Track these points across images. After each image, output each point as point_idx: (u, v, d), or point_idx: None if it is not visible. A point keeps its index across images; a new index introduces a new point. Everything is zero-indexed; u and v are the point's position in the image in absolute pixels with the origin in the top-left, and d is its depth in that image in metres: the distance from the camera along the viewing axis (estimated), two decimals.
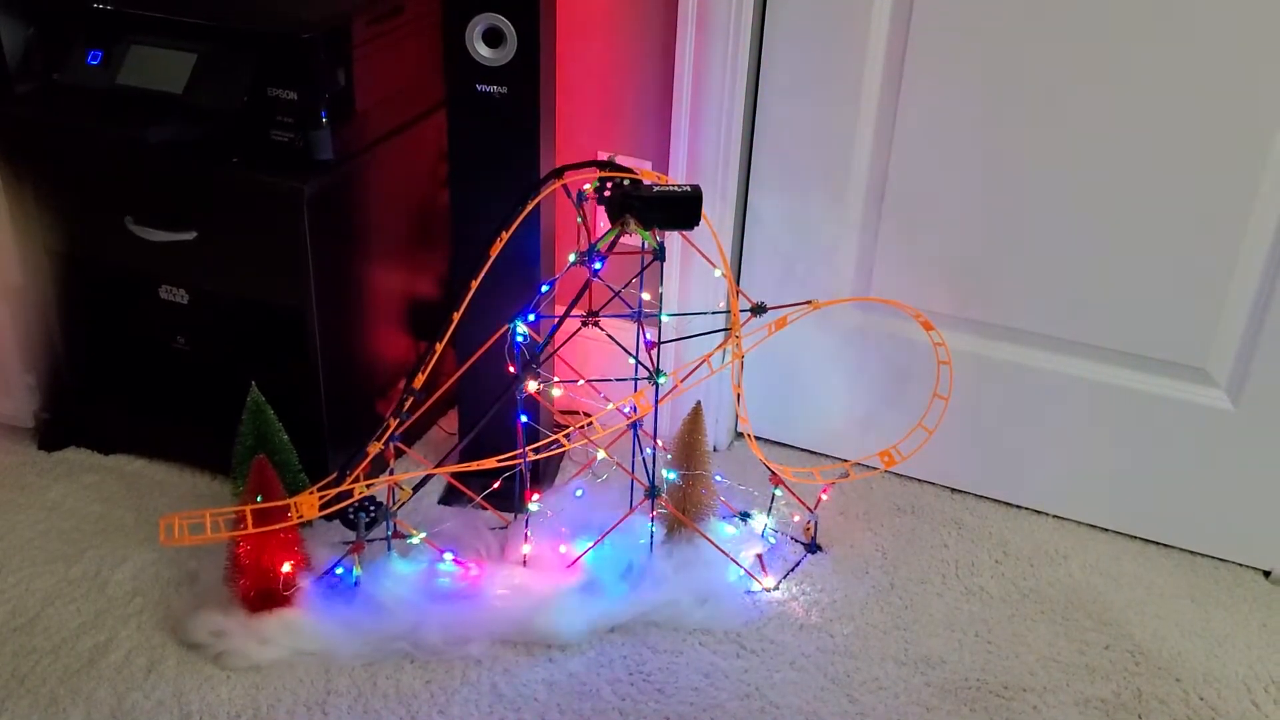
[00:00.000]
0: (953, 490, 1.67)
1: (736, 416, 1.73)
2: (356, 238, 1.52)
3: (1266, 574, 1.55)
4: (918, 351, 1.59)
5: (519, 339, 1.39)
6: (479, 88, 1.38)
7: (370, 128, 1.49)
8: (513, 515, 1.53)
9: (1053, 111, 1.44)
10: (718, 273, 1.51)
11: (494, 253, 1.37)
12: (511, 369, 1.41)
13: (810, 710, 1.30)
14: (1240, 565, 1.56)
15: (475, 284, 1.36)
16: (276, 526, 1.32)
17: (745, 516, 1.58)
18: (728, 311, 1.49)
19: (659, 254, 1.37)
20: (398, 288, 1.63)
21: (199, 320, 1.55)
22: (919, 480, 1.68)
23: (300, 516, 1.31)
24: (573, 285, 1.59)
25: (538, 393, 1.44)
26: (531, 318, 1.40)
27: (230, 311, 1.53)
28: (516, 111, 1.39)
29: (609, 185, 1.35)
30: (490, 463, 1.38)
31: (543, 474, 1.63)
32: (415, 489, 1.47)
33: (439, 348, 1.36)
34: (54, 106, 1.47)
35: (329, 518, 1.42)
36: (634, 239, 1.38)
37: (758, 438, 1.72)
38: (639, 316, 1.42)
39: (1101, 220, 1.47)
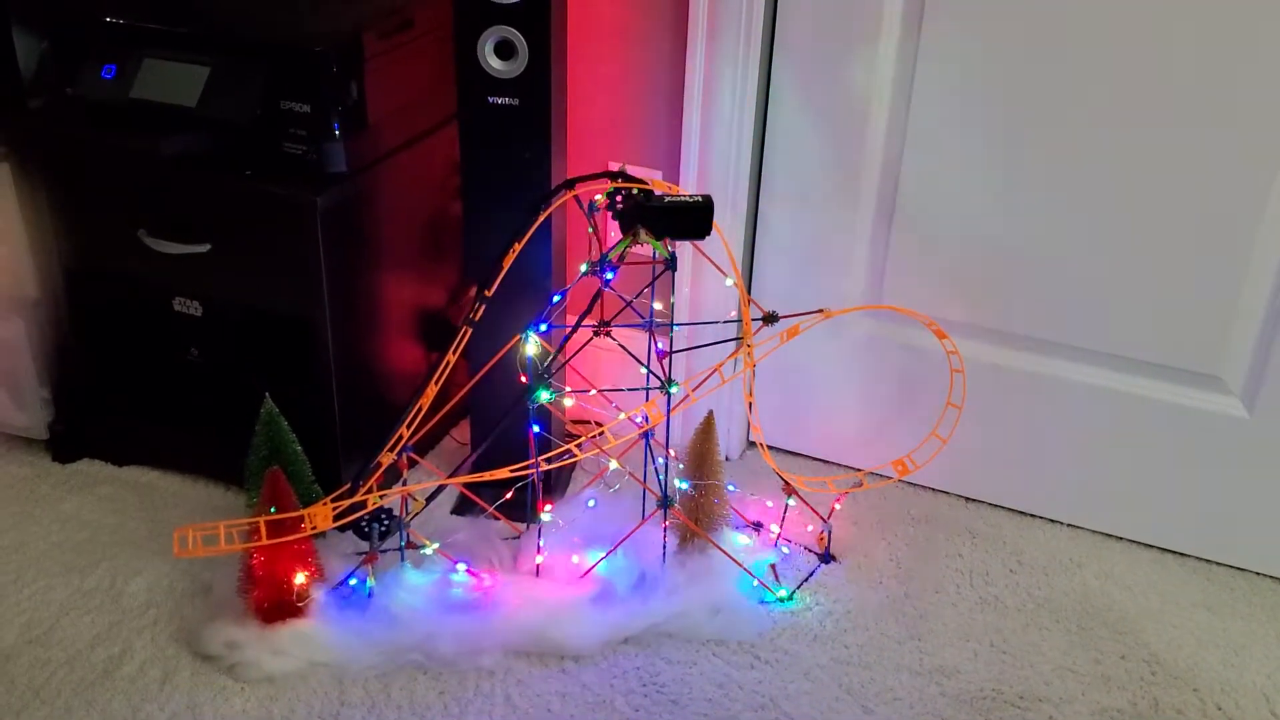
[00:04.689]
0: (967, 499, 1.66)
1: (749, 426, 1.72)
2: (369, 249, 1.52)
3: None
4: (930, 360, 1.59)
5: (531, 348, 1.39)
6: (490, 100, 1.38)
7: (383, 140, 1.50)
8: (525, 525, 1.53)
9: (1064, 119, 1.44)
10: (729, 282, 1.51)
11: (507, 264, 1.37)
12: (523, 379, 1.41)
13: None
14: (1257, 574, 1.55)
15: (489, 293, 1.37)
16: (290, 538, 1.32)
17: (758, 526, 1.57)
18: (739, 320, 1.50)
19: (670, 264, 1.38)
20: (410, 299, 1.64)
21: (212, 332, 1.56)
22: (933, 489, 1.68)
23: (314, 528, 1.31)
24: (584, 295, 1.59)
25: (550, 403, 1.44)
26: (544, 328, 1.40)
27: (243, 323, 1.54)
28: (528, 123, 1.40)
29: (620, 196, 1.36)
30: (503, 473, 1.38)
31: (555, 484, 1.63)
32: (428, 500, 1.47)
33: (451, 358, 1.37)
34: (68, 120, 1.48)
35: (342, 528, 1.41)
36: (645, 249, 1.38)
37: (770, 447, 1.71)
38: (650, 326, 1.42)
39: (1114, 227, 1.47)
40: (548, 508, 1.46)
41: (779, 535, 1.56)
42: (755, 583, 1.46)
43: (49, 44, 1.51)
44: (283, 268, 1.45)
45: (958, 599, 1.48)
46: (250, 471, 1.48)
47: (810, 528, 1.57)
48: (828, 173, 1.57)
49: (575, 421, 1.68)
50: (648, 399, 1.45)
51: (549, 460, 1.41)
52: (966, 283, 1.56)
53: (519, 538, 1.51)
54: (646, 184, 1.36)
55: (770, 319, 1.45)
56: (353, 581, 1.38)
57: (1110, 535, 1.60)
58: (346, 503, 1.32)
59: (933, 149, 1.51)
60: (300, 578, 1.34)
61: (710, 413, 1.48)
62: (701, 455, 1.46)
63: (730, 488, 1.55)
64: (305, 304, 1.44)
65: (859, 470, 1.68)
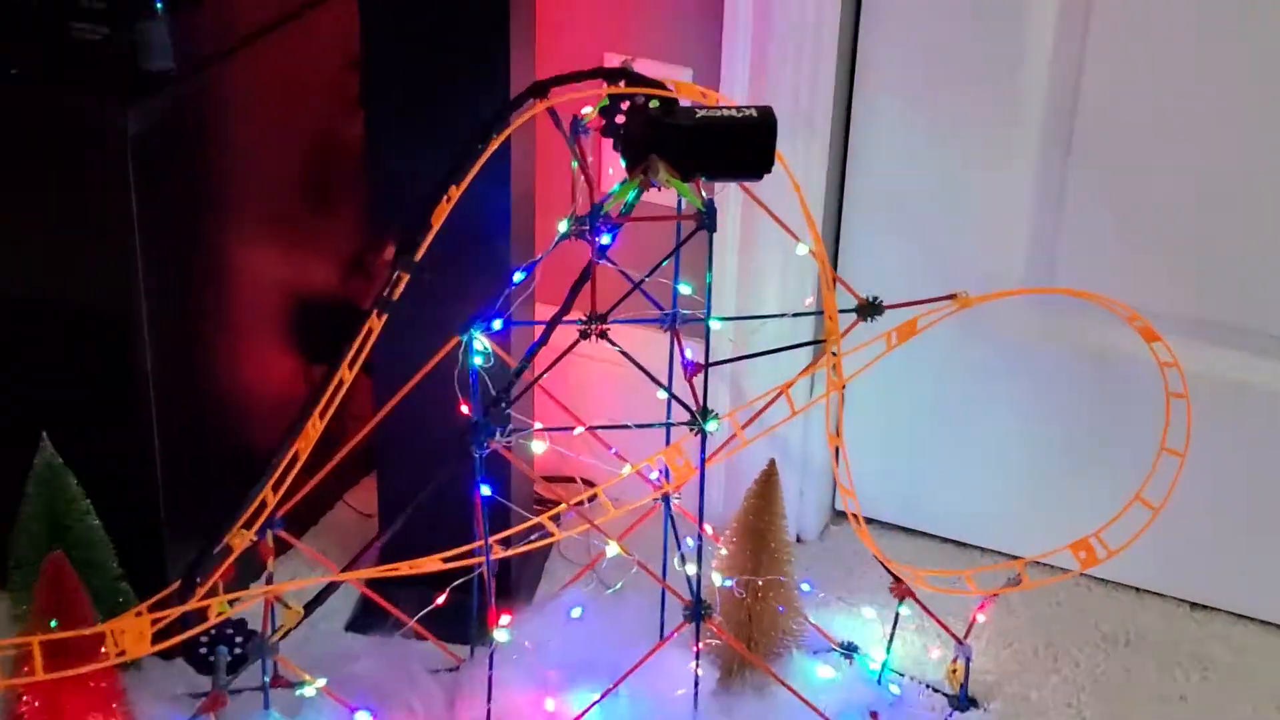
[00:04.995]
0: (1194, 606, 1.67)
1: (834, 485, 1.71)
2: (212, 199, 1.52)
3: None
4: (1130, 376, 1.59)
5: (477, 360, 1.39)
6: None
7: (234, 20, 1.50)
8: (468, 650, 1.53)
9: None
10: (802, 249, 1.50)
11: (438, 221, 1.36)
12: (466, 409, 1.40)
13: None
14: None
15: (418, 257, 1.36)
16: (84, 669, 1.30)
17: (851, 651, 1.57)
18: (819, 313, 1.49)
19: (705, 221, 1.37)
20: (279, 278, 1.64)
21: None
22: (1137, 590, 1.68)
23: (122, 652, 1.29)
24: (565, 271, 1.58)
25: (509, 449, 1.43)
26: (498, 325, 1.39)
27: (9, 319, 1.53)
28: None
29: (624, 109, 1.36)
30: (432, 563, 1.38)
31: (518, 581, 1.63)
32: (309, 607, 1.45)
33: (347, 375, 1.36)
34: None
35: (168, 654, 1.39)
36: (664, 196, 1.38)
37: (870, 520, 1.70)
38: (673, 323, 1.41)
39: None
40: (505, 620, 1.45)
41: (885, 665, 1.55)
42: None
43: None
44: (73, 228, 1.45)
45: None
46: (18, 558, 1.48)
47: (936, 653, 1.58)
48: (964, 75, 1.58)
49: (550, 479, 1.67)
50: (669, 442, 1.44)
51: (506, 543, 1.41)
52: (1190, 256, 1.57)
53: (458, 669, 1.52)
54: (668, 90, 1.35)
55: (870, 310, 1.45)
56: None
57: None
58: (175, 611, 1.31)
59: (1132, 44, 1.52)
60: None
61: (772, 464, 1.48)
62: (758, 533, 1.47)
63: (804, 587, 1.55)
64: (109, 289, 1.45)
65: (1014, 558, 1.67)
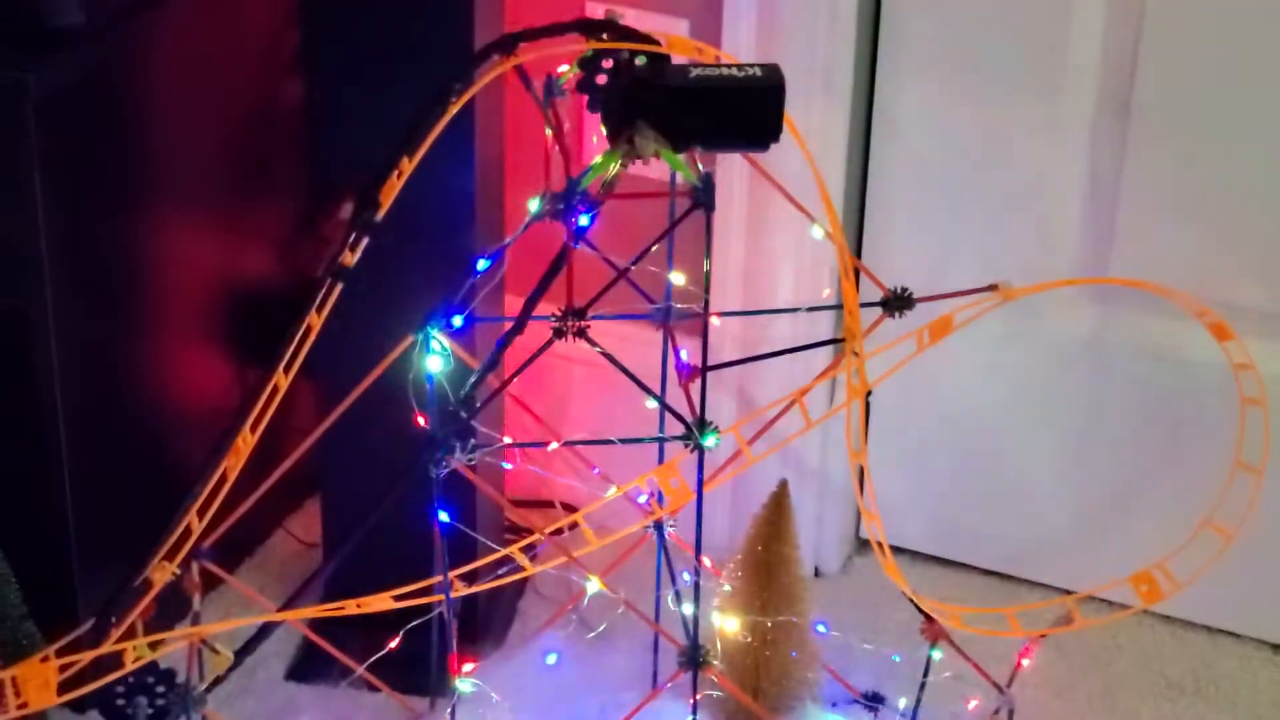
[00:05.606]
0: (1275, 648, 1.69)
1: (857, 511, 1.72)
2: (129, 175, 1.53)
3: None
4: (1199, 380, 1.61)
5: (434, 364, 1.37)
6: None
7: None
8: (427, 702, 1.55)
9: None
10: (818, 232, 1.49)
11: (388, 199, 1.35)
12: (422, 421, 1.38)
13: None
14: None
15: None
16: None
17: (876, 702, 1.58)
18: (838, 307, 1.49)
19: (702, 198, 1.34)
20: (211, 268, 1.66)
21: None
22: (1209, 629, 1.69)
23: (24, 704, 1.30)
24: (537, 258, 1.55)
25: (472, 468, 1.41)
26: (459, 321, 1.38)
27: None
28: None
29: (607, 66, 1.35)
30: (383, 601, 1.36)
31: (484, 623, 1.65)
32: (242, 652, 1.43)
33: (282, 379, 1.34)
34: None
35: (79, 705, 1.39)
36: (653, 170, 1.36)
37: (898, 549, 1.71)
38: (665, 318, 1.40)
39: None
40: (469, 668, 1.44)
41: (914, 716, 1.54)
42: None
43: None
44: None
45: None
46: None
47: (974, 703, 1.57)
48: (1006, 22, 1.59)
49: (521, 503, 1.68)
50: (661, 459, 1.44)
51: (471, 578, 1.40)
52: (1271, 240, 1.59)
53: None
54: (658, 44, 1.34)
55: (898, 303, 1.43)
56: None
57: None
58: (87, 656, 1.30)
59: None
60: None
61: (783, 485, 1.49)
62: (767, 566, 1.48)
63: (820, 629, 1.56)
64: (8, 279, 1.45)
65: (1065, 594, 1.66)
